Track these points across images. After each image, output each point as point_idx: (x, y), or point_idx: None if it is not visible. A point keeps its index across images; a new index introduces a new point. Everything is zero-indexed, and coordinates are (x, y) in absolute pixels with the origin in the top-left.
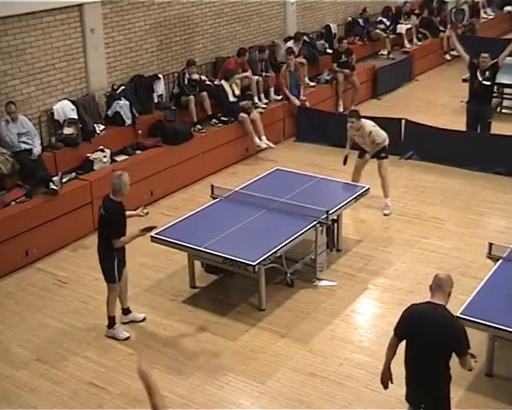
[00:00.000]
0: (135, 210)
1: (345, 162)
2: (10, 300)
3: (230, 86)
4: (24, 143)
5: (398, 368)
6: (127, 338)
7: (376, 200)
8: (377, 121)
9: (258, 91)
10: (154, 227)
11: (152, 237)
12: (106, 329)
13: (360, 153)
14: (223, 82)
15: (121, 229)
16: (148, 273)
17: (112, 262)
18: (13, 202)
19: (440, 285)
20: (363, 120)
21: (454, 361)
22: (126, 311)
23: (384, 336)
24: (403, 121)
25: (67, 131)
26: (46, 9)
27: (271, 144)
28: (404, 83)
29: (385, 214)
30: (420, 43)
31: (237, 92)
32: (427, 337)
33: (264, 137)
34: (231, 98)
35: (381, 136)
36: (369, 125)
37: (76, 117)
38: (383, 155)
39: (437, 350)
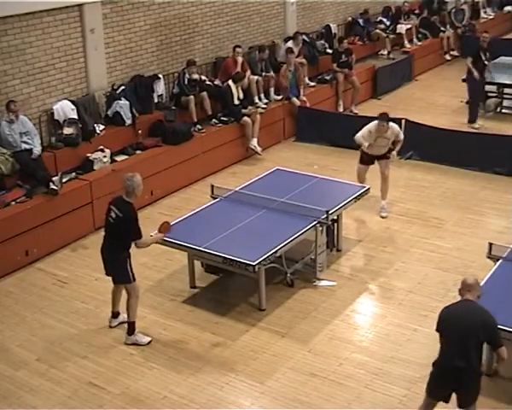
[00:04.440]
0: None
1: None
2: (10, 300)
3: (237, 89)
4: (24, 142)
5: (398, 368)
6: (149, 342)
7: (377, 200)
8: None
9: (258, 91)
10: (168, 223)
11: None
12: (126, 336)
13: (362, 160)
14: (230, 83)
15: (131, 235)
16: (148, 273)
17: (125, 263)
18: (13, 202)
19: (470, 290)
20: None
21: None
22: (116, 314)
23: (384, 337)
24: (403, 121)
25: (67, 131)
26: (46, 9)
27: (259, 150)
28: (404, 83)
29: (382, 217)
30: (420, 43)
31: (241, 96)
32: (460, 326)
33: (255, 139)
34: (236, 101)
35: (401, 133)
36: (394, 124)
37: (76, 117)
38: (387, 155)
39: (471, 338)
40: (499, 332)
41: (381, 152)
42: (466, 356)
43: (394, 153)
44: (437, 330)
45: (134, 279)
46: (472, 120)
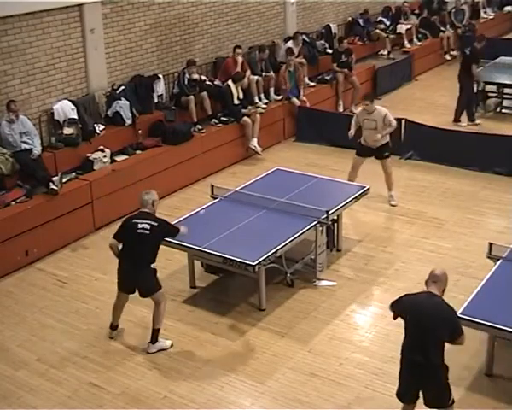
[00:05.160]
0: None
1: (352, 135)
2: (10, 300)
3: (236, 89)
4: (24, 142)
5: (398, 368)
6: (172, 345)
7: (376, 200)
8: None
9: (258, 91)
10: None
11: None
12: (149, 346)
13: (359, 151)
14: (230, 83)
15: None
16: None
17: (155, 272)
18: (13, 202)
19: (436, 282)
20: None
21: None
22: (115, 327)
23: (384, 337)
24: (403, 121)
25: (67, 131)
26: (46, 9)
27: (259, 150)
28: (404, 83)
29: (392, 205)
30: (420, 43)
31: (241, 96)
32: (422, 322)
33: (255, 139)
34: (236, 101)
35: (393, 120)
36: (383, 108)
37: (76, 117)
38: (387, 154)
39: (433, 334)
40: (459, 322)
41: (375, 141)
42: (425, 352)
43: (379, 135)
44: (399, 315)
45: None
46: (457, 119)
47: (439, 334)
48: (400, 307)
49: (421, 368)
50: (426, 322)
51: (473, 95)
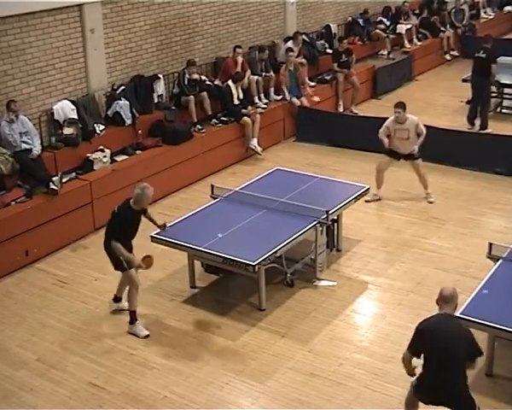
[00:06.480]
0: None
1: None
2: (10, 300)
3: (236, 89)
4: (24, 142)
5: (398, 368)
6: (147, 336)
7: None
8: (377, 121)
9: (258, 91)
10: (151, 259)
11: (152, 236)
12: (128, 325)
13: (387, 153)
14: (230, 83)
15: (121, 234)
16: (148, 273)
17: (115, 249)
18: (13, 202)
19: (448, 302)
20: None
21: None
22: (118, 299)
23: (384, 336)
24: None
25: (67, 131)
26: (46, 9)
27: (259, 150)
28: (404, 83)
29: (430, 202)
30: (420, 43)
31: (241, 96)
32: (441, 347)
33: (255, 139)
34: (236, 101)
35: (424, 128)
36: (414, 116)
37: (76, 117)
38: (417, 156)
39: (453, 359)
40: (477, 345)
41: (405, 148)
42: (449, 374)
43: (416, 147)
44: (416, 348)
45: (129, 268)
46: (485, 127)
47: (458, 354)
48: (418, 338)
49: (446, 391)
50: (444, 347)
51: (489, 99)
